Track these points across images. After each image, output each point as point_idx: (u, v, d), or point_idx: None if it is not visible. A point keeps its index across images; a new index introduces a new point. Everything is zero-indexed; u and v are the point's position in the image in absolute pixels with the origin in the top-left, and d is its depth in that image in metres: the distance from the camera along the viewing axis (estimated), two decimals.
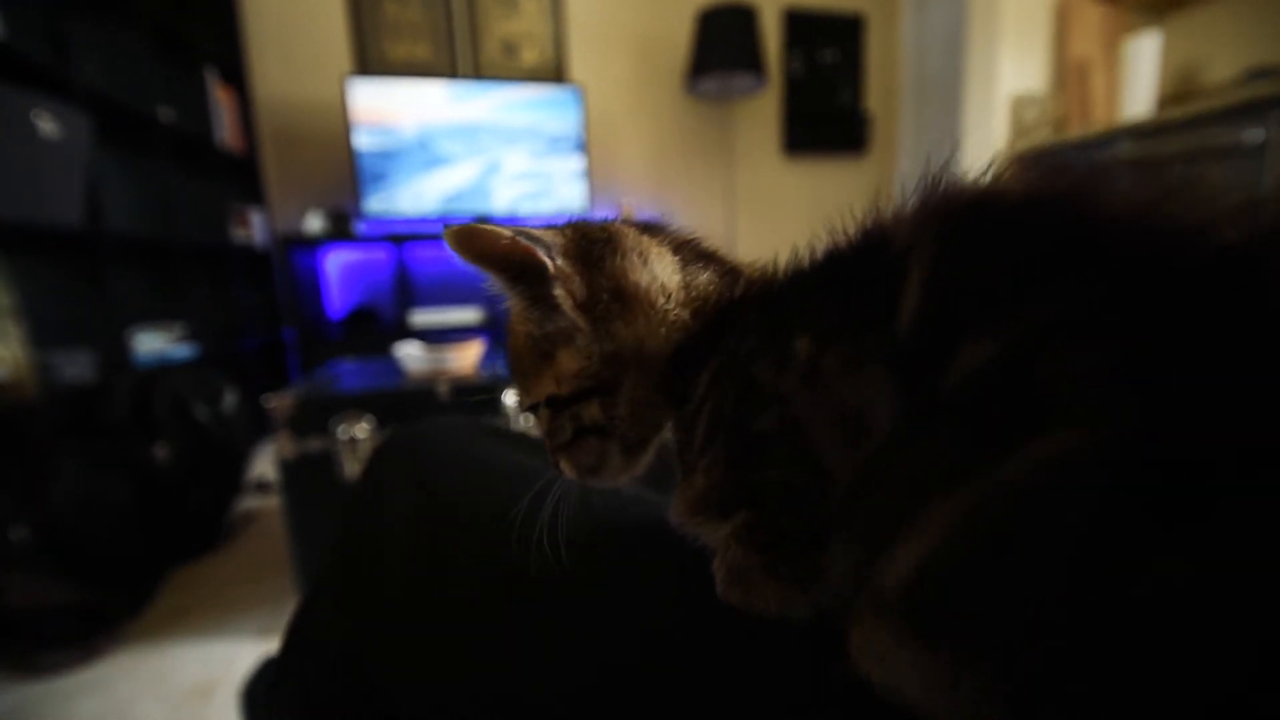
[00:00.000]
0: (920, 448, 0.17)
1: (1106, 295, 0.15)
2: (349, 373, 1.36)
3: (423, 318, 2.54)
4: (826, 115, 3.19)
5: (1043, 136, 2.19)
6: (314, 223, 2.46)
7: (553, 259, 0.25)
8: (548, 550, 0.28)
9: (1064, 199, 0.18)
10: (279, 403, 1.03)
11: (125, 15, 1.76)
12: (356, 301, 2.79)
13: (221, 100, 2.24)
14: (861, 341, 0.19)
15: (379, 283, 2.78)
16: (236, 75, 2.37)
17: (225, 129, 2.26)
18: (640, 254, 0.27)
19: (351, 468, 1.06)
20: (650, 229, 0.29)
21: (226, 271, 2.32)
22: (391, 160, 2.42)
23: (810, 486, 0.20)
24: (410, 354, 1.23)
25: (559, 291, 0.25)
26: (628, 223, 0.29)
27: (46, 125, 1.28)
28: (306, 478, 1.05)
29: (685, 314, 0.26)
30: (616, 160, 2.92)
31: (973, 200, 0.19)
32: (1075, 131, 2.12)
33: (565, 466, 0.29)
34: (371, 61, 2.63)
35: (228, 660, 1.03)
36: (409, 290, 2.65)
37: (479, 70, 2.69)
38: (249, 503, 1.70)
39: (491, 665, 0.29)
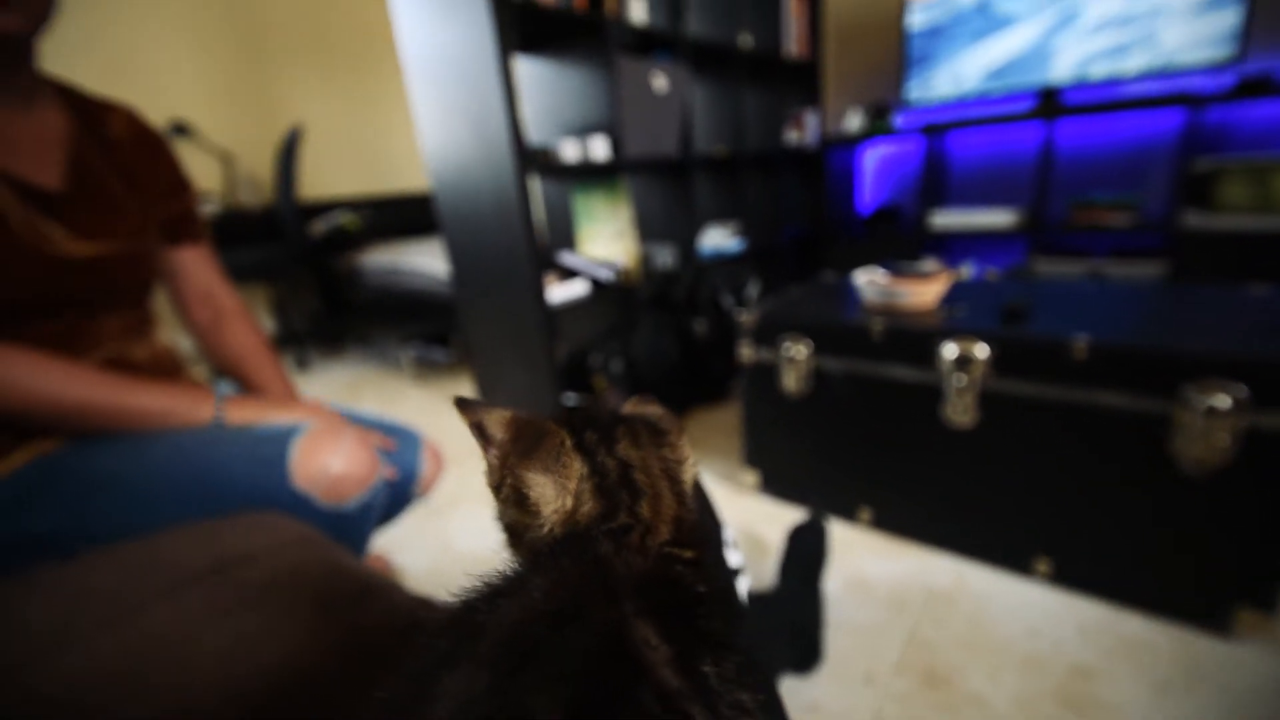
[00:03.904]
0: None
1: None
2: (816, 291, 1.48)
3: (945, 219, 2.34)
4: None
5: None
6: (853, 121, 2.54)
7: (488, 448, 0.30)
8: None
9: None
10: (746, 318, 1.26)
11: None
12: (885, 199, 2.79)
13: (794, 10, 2.47)
14: None
15: (908, 177, 2.67)
16: None
17: (793, 38, 2.50)
18: (542, 472, 0.28)
19: (788, 381, 1.22)
20: (592, 435, 0.29)
21: (777, 171, 2.70)
22: (940, 36, 2.18)
23: None
24: (869, 281, 1.24)
25: (484, 471, 0.30)
26: (581, 418, 0.29)
27: (658, 82, 1.78)
28: (759, 379, 1.28)
29: (560, 531, 0.27)
30: None
31: None
32: None
33: None
34: None
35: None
36: (938, 186, 2.46)
37: None
38: None
39: None
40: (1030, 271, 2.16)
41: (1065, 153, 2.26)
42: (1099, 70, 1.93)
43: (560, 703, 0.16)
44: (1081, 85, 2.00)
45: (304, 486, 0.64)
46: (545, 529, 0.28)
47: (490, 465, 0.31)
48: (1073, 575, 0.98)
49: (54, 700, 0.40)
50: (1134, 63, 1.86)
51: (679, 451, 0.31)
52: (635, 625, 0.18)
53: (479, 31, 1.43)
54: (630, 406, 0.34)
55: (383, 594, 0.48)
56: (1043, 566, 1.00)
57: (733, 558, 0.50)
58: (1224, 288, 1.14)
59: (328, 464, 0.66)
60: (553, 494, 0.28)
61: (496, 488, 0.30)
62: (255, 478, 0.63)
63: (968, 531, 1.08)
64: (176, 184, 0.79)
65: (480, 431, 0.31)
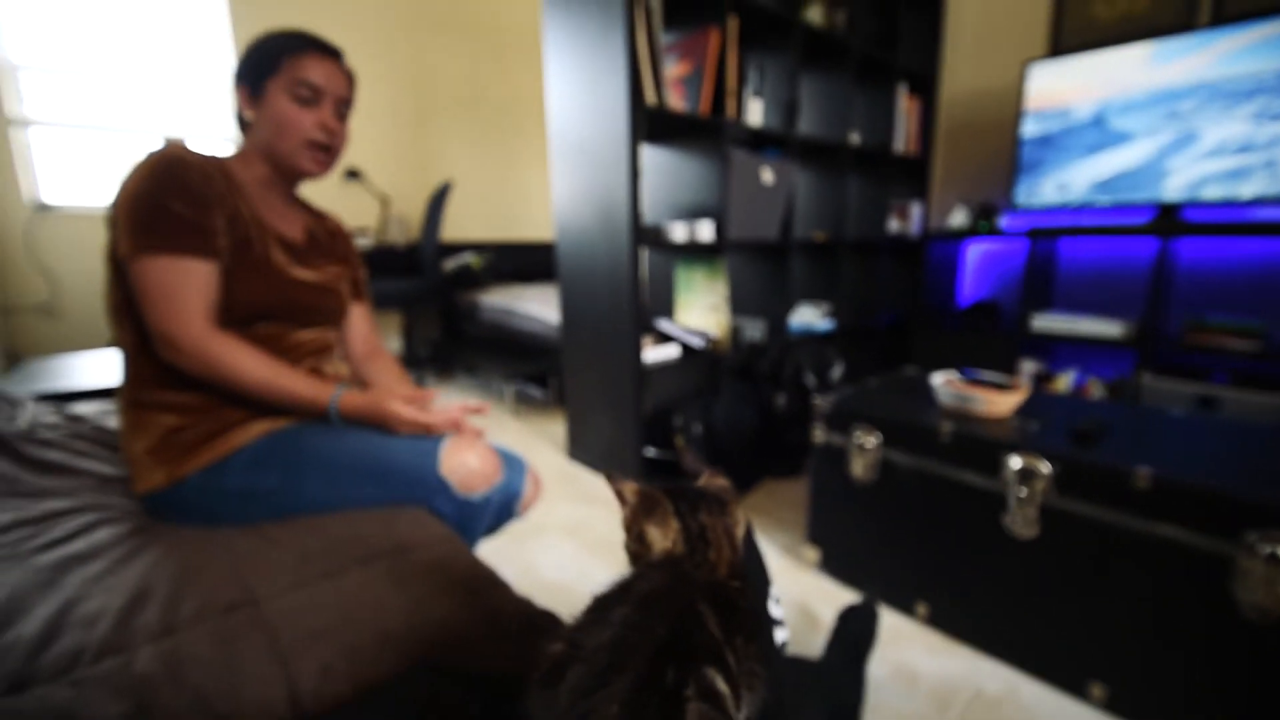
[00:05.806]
0: None
1: None
2: (895, 384, 1.55)
3: (1047, 322, 2.32)
4: None
5: None
6: (958, 217, 2.60)
7: (624, 505, 0.45)
8: None
9: None
10: (822, 402, 1.37)
11: (839, 58, 2.31)
12: (984, 294, 2.79)
13: (906, 110, 2.61)
14: None
15: (1009, 275, 2.67)
16: (925, 83, 2.67)
17: (903, 138, 2.63)
18: (654, 525, 0.44)
19: (855, 468, 1.30)
20: (684, 506, 0.44)
21: (876, 257, 2.79)
22: (1051, 146, 2.22)
23: None
24: (946, 383, 1.31)
25: (621, 519, 0.46)
26: (679, 493, 0.44)
27: (766, 175, 1.96)
28: (828, 461, 1.37)
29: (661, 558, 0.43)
30: None
31: None
32: None
33: None
34: (1070, 33, 2.39)
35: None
36: (1042, 288, 2.45)
37: (1218, 11, 2.01)
38: None
39: None
40: (1135, 386, 2.09)
41: (1182, 269, 2.19)
42: (1212, 192, 1.90)
43: (665, 626, 0.31)
44: (1194, 204, 1.97)
45: (447, 475, 0.84)
46: (653, 558, 0.43)
47: (625, 517, 0.47)
48: (1128, 705, 0.98)
49: (288, 621, 0.59)
50: (1251, 188, 1.83)
51: (734, 518, 0.45)
52: (700, 604, 0.33)
53: (616, 125, 1.69)
54: (705, 480, 0.49)
55: (504, 588, 0.65)
56: (1097, 690, 1.00)
57: (774, 609, 0.61)
58: None
59: (467, 460, 0.85)
60: (660, 539, 0.44)
61: (628, 530, 0.47)
62: (414, 464, 0.84)
63: (1022, 643, 1.10)
64: (356, 260, 1.15)
65: (620, 495, 0.47)
